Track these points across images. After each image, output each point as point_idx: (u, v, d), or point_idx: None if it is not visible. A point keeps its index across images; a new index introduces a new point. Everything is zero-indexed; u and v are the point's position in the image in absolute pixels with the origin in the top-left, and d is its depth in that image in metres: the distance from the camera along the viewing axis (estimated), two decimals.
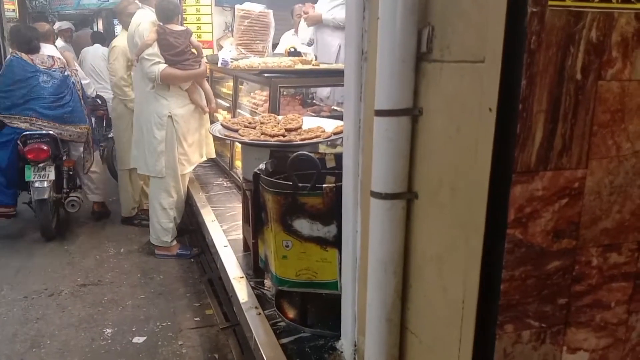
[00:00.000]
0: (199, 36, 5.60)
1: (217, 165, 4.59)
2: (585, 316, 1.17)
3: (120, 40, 4.37)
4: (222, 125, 2.79)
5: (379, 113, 1.34)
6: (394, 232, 1.40)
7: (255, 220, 2.25)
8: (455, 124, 1.16)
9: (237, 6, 3.92)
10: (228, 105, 4.36)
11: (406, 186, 1.37)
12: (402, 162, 1.35)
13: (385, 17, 1.29)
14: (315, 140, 2.47)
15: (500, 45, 0.98)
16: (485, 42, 1.04)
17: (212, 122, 4.13)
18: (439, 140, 1.24)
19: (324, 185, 1.91)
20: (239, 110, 4.02)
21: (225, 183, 4.22)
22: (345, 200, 1.76)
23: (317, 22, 4.49)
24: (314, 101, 4.09)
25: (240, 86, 4.16)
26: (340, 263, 1.91)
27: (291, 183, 1.95)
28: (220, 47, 4.88)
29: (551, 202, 1.08)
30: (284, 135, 2.55)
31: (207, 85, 3.80)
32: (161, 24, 3.58)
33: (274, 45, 4.73)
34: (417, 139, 1.33)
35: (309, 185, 1.92)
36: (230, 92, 4.15)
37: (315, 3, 4.54)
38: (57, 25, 6.14)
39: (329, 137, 2.54)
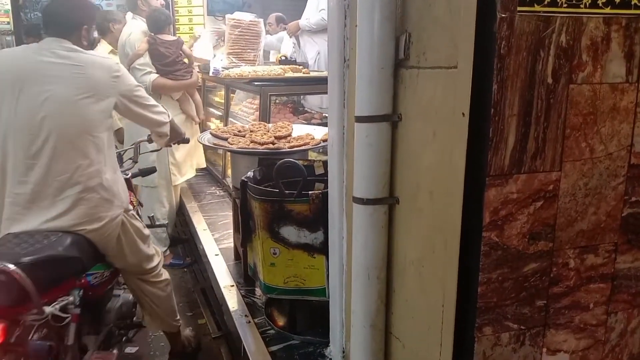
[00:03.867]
0: (191, 45, 5.62)
1: (210, 174, 4.60)
2: (564, 318, 1.18)
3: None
4: (211, 134, 2.80)
5: (360, 119, 1.36)
6: (376, 238, 1.41)
7: (243, 228, 2.25)
8: (432, 129, 1.17)
9: (227, 15, 3.95)
10: (220, 114, 4.38)
11: (387, 191, 1.38)
12: (383, 167, 1.36)
13: (363, 25, 1.30)
14: (303, 147, 2.48)
15: (471, 51, 1.00)
16: (457, 48, 1.05)
17: (203, 131, 4.15)
18: (417, 145, 1.25)
19: (310, 192, 1.92)
20: (230, 119, 4.04)
21: (217, 192, 4.23)
22: (331, 207, 1.77)
23: (297, 30, 4.82)
24: (305, 109, 4.11)
25: (232, 95, 4.18)
26: (327, 269, 1.91)
27: (278, 190, 1.96)
28: (212, 56, 4.91)
29: (526, 204, 1.09)
30: (273, 143, 2.56)
31: (197, 96, 3.82)
32: (152, 34, 3.61)
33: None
34: (397, 145, 1.34)
35: (295, 192, 1.93)
36: (222, 101, 4.17)
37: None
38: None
39: (318, 144, 2.56)
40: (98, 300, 2.17)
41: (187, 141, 2.73)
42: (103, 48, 3.96)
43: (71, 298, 1.91)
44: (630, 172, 1.15)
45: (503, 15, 0.96)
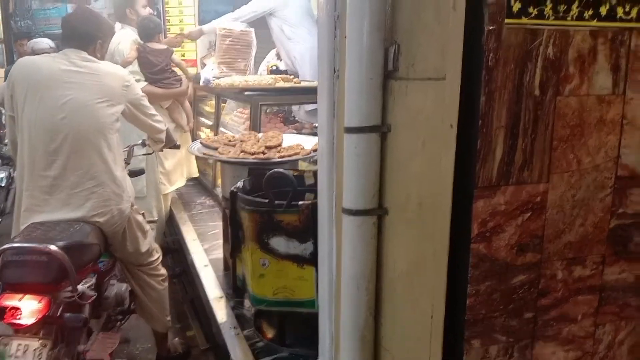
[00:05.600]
0: (183, 55, 5.63)
1: (200, 184, 4.57)
2: (552, 330, 1.18)
3: None
4: (201, 143, 2.79)
5: (349, 130, 1.35)
6: (365, 249, 1.40)
7: (233, 238, 2.24)
8: (421, 140, 1.17)
9: (218, 25, 3.95)
10: (211, 123, 4.37)
11: (377, 202, 1.38)
12: (372, 178, 1.36)
13: (352, 36, 1.31)
14: (293, 157, 2.47)
15: (459, 63, 1.00)
16: (446, 60, 1.05)
17: (195, 140, 4.14)
18: (406, 156, 1.25)
19: (299, 203, 1.91)
20: (221, 129, 4.03)
21: (207, 201, 4.20)
22: (320, 218, 1.76)
23: (200, 36, 4.60)
24: (296, 118, 4.11)
25: (223, 104, 4.17)
26: (317, 281, 1.90)
27: (267, 201, 1.95)
28: (204, 66, 4.90)
29: (514, 216, 1.09)
30: (263, 153, 2.55)
31: (187, 104, 3.82)
32: (142, 42, 3.61)
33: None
34: (386, 156, 1.34)
35: (284, 202, 1.92)
36: (213, 111, 4.16)
37: None
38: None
39: (308, 154, 2.55)
40: (101, 286, 2.34)
41: (178, 147, 2.96)
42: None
43: (93, 281, 2.18)
44: (618, 184, 1.16)
45: (490, 28, 0.97)
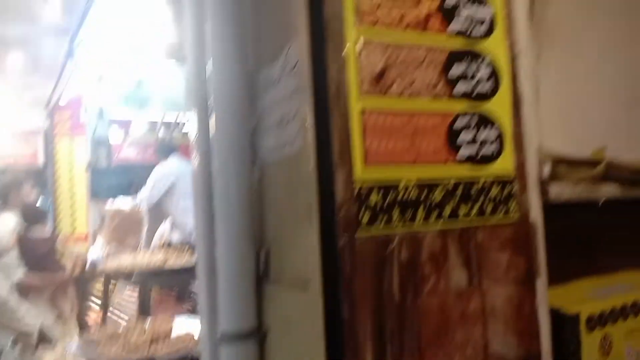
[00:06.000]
0: (74, 229, 5.41)
1: None
2: None
3: None
4: (81, 340, 2.54)
5: (224, 338, 1.28)
6: None
7: None
8: (294, 349, 1.13)
9: (107, 206, 3.89)
10: (100, 303, 4.06)
11: None
12: None
13: (223, 238, 1.30)
14: (181, 353, 2.30)
15: (318, 274, 1.01)
16: (308, 269, 1.06)
17: (82, 327, 3.79)
18: None
19: None
20: (111, 310, 3.74)
21: None
22: None
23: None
24: (193, 293, 3.94)
25: (114, 283, 3.93)
26: None
27: None
28: (95, 239, 4.70)
29: None
30: (150, 345, 2.35)
31: (72, 292, 3.56)
32: (25, 227, 3.43)
33: None
34: None
35: None
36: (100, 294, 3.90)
37: None
38: None
39: (197, 345, 2.39)
40: None
41: (50, 341, 2.75)
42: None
43: None
44: None
45: (344, 241, 1.00)
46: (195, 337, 2.39)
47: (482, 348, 1.14)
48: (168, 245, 3.76)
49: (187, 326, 2.58)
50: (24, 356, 3.10)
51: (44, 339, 2.52)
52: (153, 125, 6.30)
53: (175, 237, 4.18)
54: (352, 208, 1.03)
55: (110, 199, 4.65)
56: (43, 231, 3.45)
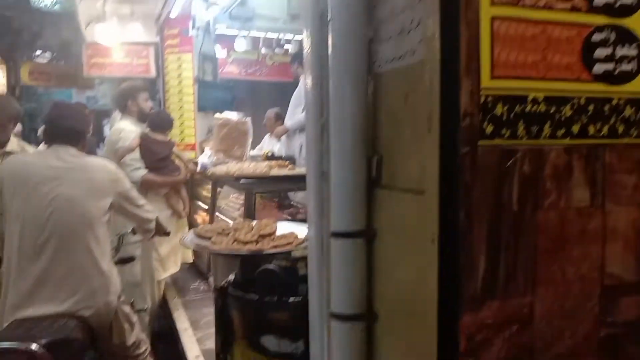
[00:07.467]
0: (182, 139, 5.78)
1: (195, 268, 4.54)
2: None
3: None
4: (195, 234, 2.80)
5: (335, 235, 1.37)
6: (355, 355, 1.37)
7: (223, 335, 2.19)
8: (404, 250, 1.18)
9: (216, 115, 4.10)
10: (207, 207, 4.40)
11: (365, 308, 1.36)
12: (359, 283, 1.35)
13: (336, 146, 1.35)
14: (286, 248, 2.47)
15: (436, 182, 1.03)
16: (424, 176, 1.09)
17: (191, 224, 4.15)
18: (391, 264, 1.26)
19: (290, 300, 1.89)
20: (217, 214, 4.06)
21: (202, 286, 4.15)
22: (311, 317, 1.73)
23: (285, 133, 5.21)
24: (292, 202, 4.15)
25: (220, 189, 4.23)
26: None
27: (257, 297, 1.93)
28: (202, 150, 5.03)
29: (502, 329, 1.08)
30: (257, 242, 2.55)
31: (184, 192, 3.87)
32: (148, 130, 3.71)
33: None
34: (373, 261, 1.34)
35: (275, 299, 1.90)
36: (209, 196, 4.21)
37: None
38: None
39: (301, 243, 2.55)
40: None
41: (168, 234, 3.01)
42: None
43: None
44: (605, 293, 1.15)
45: (465, 150, 1.01)
46: (299, 237, 2.55)
47: (598, 267, 1.13)
48: (271, 156, 3.94)
49: (289, 228, 2.75)
50: (142, 242, 3.50)
51: (160, 229, 2.79)
52: (256, 41, 6.40)
53: (277, 149, 4.40)
54: (476, 118, 1.02)
55: (216, 113, 4.90)
56: (164, 136, 3.73)
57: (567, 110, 1.08)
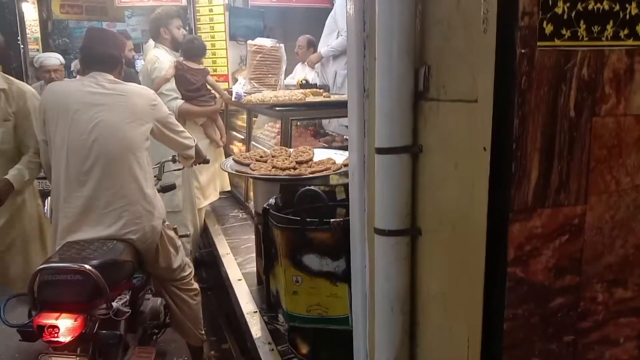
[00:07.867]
0: (215, 70, 5.73)
1: (233, 197, 4.64)
2: (593, 353, 1.15)
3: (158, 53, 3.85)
4: (234, 160, 2.83)
5: (380, 151, 1.35)
6: (399, 270, 1.39)
7: (266, 255, 2.26)
8: (453, 162, 1.16)
9: (249, 42, 4.02)
10: (243, 137, 4.43)
11: (409, 223, 1.37)
12: (404, 198, 1.35)
13: (382, 57, 1.31)
14: (324, 172, 2.49)
15: (491, 86, 1.00)
16: (477, 83, 1.05)
17: (227, 154, 4.20)
18: (438, 177, 1.24)
19: (331, 220, 1.92)
20: (253, 143, 4.08)
21: (240, 214, 4.26)
22: (352, 235, 1.76)
23: (319, 60, 5.08)
24: (327, 131, 4.13)
25: (254, 119, 4.23)
26: (350, 298, 1.90)
27: (299, 219, 1.97)
28: (235, 80, 4.99)
29: (551, 239, 1.07)
30: (294, 168, 2.57)
31: (220, 121, 3.89)
32: (181, 59, 3.69)
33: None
34: (418, 176, 1.34)
35: (316, 220, 1.93)
36: (245, 125, 4.22)
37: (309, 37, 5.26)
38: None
39: (339, 168, 2.56)
40: (136, 301, 2.40)
41: (207, 161, 3.01)
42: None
43: (127, 297, 2.20)
44: None
45: (523, 51, 0.96)
46: (336, 162, 2.56)
47: None
48: (306, 84, 3.89)
49: (326, 154, 2.76)
50: (183, 171, 3.56)
51: (200, 156, 2.82)
52: None
53: (311, 78, 4.33)
54: (535, 17, 0.96)
55: (248, 40, 4.80)
56: (197, 63, 3.70)
57: (632, 9, 1.01)
